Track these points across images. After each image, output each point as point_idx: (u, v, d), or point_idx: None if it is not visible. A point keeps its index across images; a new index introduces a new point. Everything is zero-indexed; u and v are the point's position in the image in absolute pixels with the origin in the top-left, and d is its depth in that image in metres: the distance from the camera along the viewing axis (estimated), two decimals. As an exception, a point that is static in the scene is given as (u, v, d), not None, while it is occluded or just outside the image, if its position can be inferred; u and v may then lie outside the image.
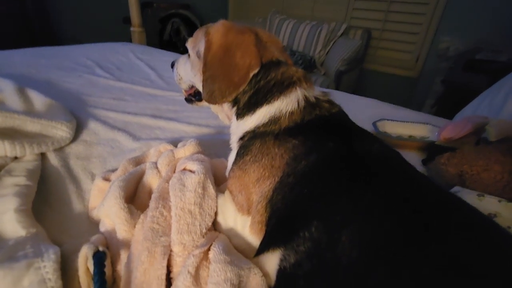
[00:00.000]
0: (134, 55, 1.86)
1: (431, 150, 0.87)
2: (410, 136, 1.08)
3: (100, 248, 0.46)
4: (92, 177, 0.77)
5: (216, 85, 0.60)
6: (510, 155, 0.63)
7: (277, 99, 0.57)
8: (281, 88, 0.57)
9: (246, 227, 0.53)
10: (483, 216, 0.40)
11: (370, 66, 3.50)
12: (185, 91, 0.84)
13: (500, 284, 0.31)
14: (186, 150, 0.71)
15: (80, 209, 0.68)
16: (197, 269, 0.44)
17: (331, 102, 0.58)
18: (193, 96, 0.82)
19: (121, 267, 0.48)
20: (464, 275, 0.32)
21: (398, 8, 3.12)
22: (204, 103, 0.79)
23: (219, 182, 0.68)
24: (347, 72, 2.91)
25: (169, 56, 1.94)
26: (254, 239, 0.51)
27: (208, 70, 0.61)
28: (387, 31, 3.28)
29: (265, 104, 0.57)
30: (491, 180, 0.61)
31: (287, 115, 0.55)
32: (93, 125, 0.98)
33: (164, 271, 0.44)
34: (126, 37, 2.57)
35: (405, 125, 1.12)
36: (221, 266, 0.43)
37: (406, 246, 0.35)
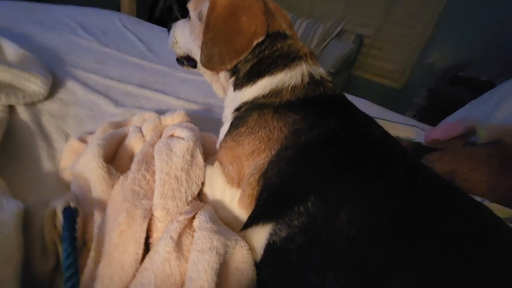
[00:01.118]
0: (122, 24, 1.75)
1: (418, 150, 0.88)
2: (395, 136, 1.10)
3: (72, 204, 0.41)
4: (66, 137, 0.71)
5: (216, 49, 0.56)
6: (497, 157, 0.64)
7: (280, 71, 0.54)
8: (286, 60, 0.55)
9: (234, 200, 0.50)
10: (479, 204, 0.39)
11: (358, 73, 3.56)
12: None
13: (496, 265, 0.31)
14: (174, 117, 0.67)
15: (50, 169, 0.62)
16: (180, 235, 0.41)
17: (334, 83, 0.57)
18: (186, 60, 0.77)
19: (92, 229, 0.43)
20: (465, 259, 0.31)
21: (393, 19, 3.19)
22: (198, 69, 0.73)
23: (207, 156, 0.64)
24: (336, 74, 2.94)
25: (159, 30, 1.85)
26: (242, 212, 0.49)
27: (210, 31, 0.56)
28: (378, 40, 3.34)
29: (267, 75, 0.54)
30: (478, 180, 0.62)
31: (290, 89, 0.52)
32: (71, 84, 0.90)
33: (144, 234, 0.40)
34: (115, 7, 2.42)
35: (392, 125, 1.14)
36: (207, 234, 0.40)
37: (408, 229, 0.34)
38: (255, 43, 0.55)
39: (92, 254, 0.39)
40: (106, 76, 1.02)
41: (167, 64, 1.28)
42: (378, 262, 0.32)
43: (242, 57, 0.56)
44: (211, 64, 0.57)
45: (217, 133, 0.66)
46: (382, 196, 0.37)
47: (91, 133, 0.68)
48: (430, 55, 3.10)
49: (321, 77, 0.55)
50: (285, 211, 0.41)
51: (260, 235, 0.43)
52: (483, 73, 2.06)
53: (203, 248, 0.38)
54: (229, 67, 0.58)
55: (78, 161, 0.51)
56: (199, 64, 0.70)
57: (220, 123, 0.68)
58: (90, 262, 0.39)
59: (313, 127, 0.47)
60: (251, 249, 0.44)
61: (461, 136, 0.79)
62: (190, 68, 0.76)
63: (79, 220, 0.41)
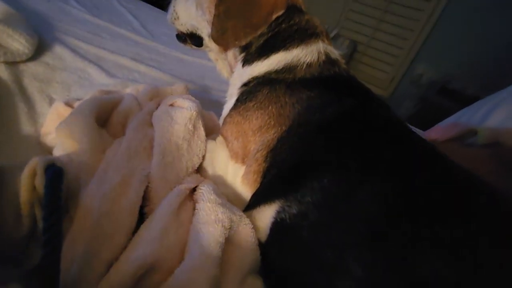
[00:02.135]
0: (117, 1, 1.66)
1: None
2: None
3: (57, 164, 0.36)
4: (51, 101, 0.64)
5: (230, 23, 0.52)
6: (497, 158, 0.64)
7: (296, 47, 0.51)
8: (303, 36, 0.52)
9: (238, 176, 0.46)
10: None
11: (349, 78, 3.61)
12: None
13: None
14: (173, 89, 0.62)
15: (30, 132, 0.55)
16: (181, 206, 0.36)
17: (347, 66, 0.54)
18: (190, 38, 0.71)
19: (78, 195, 0.38)
20: (490, 240, 0.29)
21: (386, 28, 3.25)
22: (204, 47, 0.68)
23: (206, 135, 0.60)
24: (328, 77, 2.95)
25: (155, 11, 1.77)
26: (245, 190, 0.45)
27: (223, 3, 0.52)
28: (371, 48, 3.40)
29: (282, 50, 0.51)
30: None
31: (305, 66, 0.50)
32: (59, 50, 0.83)
33: (139, 202, 0.36)
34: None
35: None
36: (211, 205, 0.36)
37: (430, 207, 0.32)
38: (274, 16, 0.52)
39: (76, 222, 0.34)
40: (98, 46, 0.95)
41: (163, 42, 1.22)
42: (402, 240, 0.30)
43: (259, 32, 0.52)
44: (223, 39, 0.53)
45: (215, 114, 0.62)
46: (402, 174, 0.35)
47: (79, 99, 0.62)
48: (418, 67, 3.19)
49: (336, 57, 0.53)
50: (296, 187, 0.38)
51: (266, 214, 0.40)
52: (467, 87, 2.14)
53: (207, 220, 0.34)
54: (243, 43, 0.54)
55: (65, 122, 0.45)
56: (205, 42, 0.65)
57: (218, 105, 0.64)
58: (74, 228, 0.34)
59: (328, 105, 0.45)
60: (255, 228, 0.40)
61: (458, 137, 0.79)
62: (193, 47, 0.70)
63: (63, 183, 0.36)
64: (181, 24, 0.69)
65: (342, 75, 0.51)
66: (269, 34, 0.53)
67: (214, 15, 0.53)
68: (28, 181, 0.35)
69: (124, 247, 0.34)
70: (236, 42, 0.53)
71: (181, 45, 0.72)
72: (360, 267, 0.29)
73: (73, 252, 0.31)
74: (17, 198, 0.36)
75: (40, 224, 0.34)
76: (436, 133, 0.83)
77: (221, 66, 0.68)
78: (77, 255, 0.31)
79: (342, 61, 0.54)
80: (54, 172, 0.33)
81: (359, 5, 3.31)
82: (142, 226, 0.35)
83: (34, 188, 0.36)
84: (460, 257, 0.28)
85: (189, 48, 0.73)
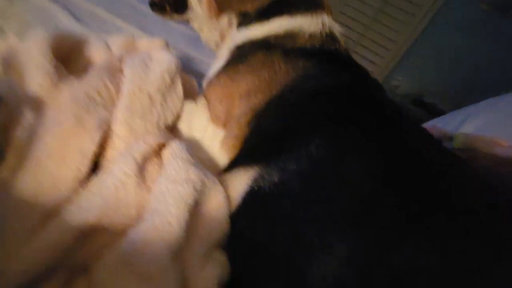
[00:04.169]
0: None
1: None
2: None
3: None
4: (2, 34, 0.54)
5: None
6: (474, 163, 0.65)
7: (301, 15, 0.48)
8: (310, 4, 0.49)
9: (216, 140, 0.41)
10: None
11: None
12: None
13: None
14: (152, 42, 0.55)
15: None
16: (145, 160, 0.31)
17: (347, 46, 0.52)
18: (169, 3, 0.61)
19: (16, 135, 0.31)
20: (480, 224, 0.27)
21: (371, 35, 3.31)
22: (189, 12, 0.60)
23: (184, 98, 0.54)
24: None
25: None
26: (223, 155, 0.40)
27: None
28: (354, 54, 3.46)
29: (286, 15, 0.47)
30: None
31: (307, 35, 0.46)
32: (20, -17, 0.71)
33: (94, 148, 0.29)
34: None
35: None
36: (182, 164, 0.31)
37: (417, 182, 0.30)
38: None
39: (11, 160, 0.27)
40: (68, -11, 0.83)
41: (147, 5, 1.12)
42: (392, 219, 0.27)
43: None
44: (226, 2, 0.48)
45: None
46: (394, 152, 0.33)
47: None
48: (395, 78, 3.31)
49: (338, 34, 0.50)
50: (278, 153, 0.34)
51: (241, 181, 0.36)
52: (438, 102, 2.25)
53: (176, 179, 0.29)
54: (249, 7, 0.49)
55: (12, 49, 0.37)
56: (192, 5, 0.58)
57: (199, 76, 0.59)
58: (5, 171, 0.27)
59: (324, 76, 0.42)
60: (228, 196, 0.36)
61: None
62: (173, 17, 0.61)
63: (1, 113, 0.28)
64: None
65: (341, 52, 0.48)
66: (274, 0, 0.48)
67: None
68: None
69: (69, 199, 0.27)
70: (241, 6, 0.49)
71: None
72: (343, 245, 0.26)
73: (5, 189, 0.25)
74: None
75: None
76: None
77: (208, 36, 0.61)
78: (6, 200, 0.25)
79: (343, 40, 0.51)
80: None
81: (349, 8, 3.35)
82: (93, 178, 0.29)
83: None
84: (446, 243, 0.26)
85: (167, 19, 0.64)
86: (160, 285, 0.24)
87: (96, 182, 0.28)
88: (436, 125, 0.87)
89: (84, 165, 0.28)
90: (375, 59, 3.41)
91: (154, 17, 1.03)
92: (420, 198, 0.28)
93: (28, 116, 0.31)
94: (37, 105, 0.32)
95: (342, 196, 0.29)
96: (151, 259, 0.24)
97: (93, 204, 0.26)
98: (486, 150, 0.70)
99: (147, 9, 1.05)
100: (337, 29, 0.50)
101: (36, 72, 0.33)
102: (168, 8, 0.60)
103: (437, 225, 0.26)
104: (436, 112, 1.89)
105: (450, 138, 0.79)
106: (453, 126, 1.02)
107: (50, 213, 0.26)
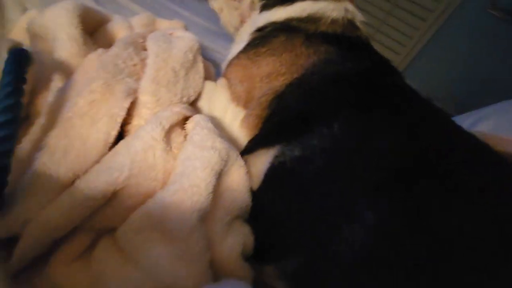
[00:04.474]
0: None
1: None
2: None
3: (25, 47, 0.29)
4: (24, 10, 0.54)
5: None
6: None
7: (324, 0, 0.47)
8: None
9: (237, 119, 0.42)
10: None
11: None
12: None
13: None
14: (172, 23, 0.55)
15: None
16: (171, 128, 0.31)
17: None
18: None
19: (44, 100, 0.31)
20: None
21: (380, 39, 3.30)
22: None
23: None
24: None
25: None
26: (243, 133, 0.41)
27: None
28: (363, 55, 3.44)
29: None
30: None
31: (329, 21, 0.46)
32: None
33: (122, 113, 0.30)
34: None
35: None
36: (208, 132, 0.31)
37: (439, 167, 0.30)
38: None
39: (42, 120, 0.28)
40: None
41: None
42: (421, 190, 0.27)
43: None
44: None
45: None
46: (416, 132, 0.33)
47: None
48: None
49: (359, 23, 0.50)
50: (300, 133, 0.35)
51: (262, 159, 0.36)
52: (445, 107, 2.26)
53: (202, 145, 0.29)
54: None
55: (41, 16, 0.37)
56: None
57: (214, 65, 0.59)
58: (36, 129, 0.27)
59: (346, 61, 0.42)
60: (249, 174, 0.36)
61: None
62: None
63: (29, 72, 0.29)
64: None
65: (362, 40, 0.48)
66: None
67: None
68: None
69: (96, 161, 0.27)
70: None
71: None
72: (370, 214, 0.26)
73: (32, 149, 0.25)
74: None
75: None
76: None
77: (227, 18, 0.62)
78: (40, 157, 0.25)
79: (364, 28, 0.52)
80: (20, 52, 0.26)
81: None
82: (121, 141, 0.29)
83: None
84: (475, 215, 0.26)
85: None
86: (188, 245, 0.24)
87: (124, 145, 0.28)
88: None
89: (113, 128, 0.28)
90: (383, 62, 3.39)
91: (169, 8, 1.04)
92: (446, 172, 0.28)
93: (57, 81, 0.31)
94: (66, 71, 0.33)
95: (368, 169, 0.29)
96: (179, 219, 0.24)
97: (122, 164, 0.26)
98: (500, 148, 0.70)
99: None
100: (359, 17, 0.51)
101: (65, 39, 0.34)
102: None
103: (465, 199, 0.27)
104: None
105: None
106: (464, 127, 1.01)
107: (79, 171, 0.26)
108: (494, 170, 0.31)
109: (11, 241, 0.26)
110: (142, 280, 0.24)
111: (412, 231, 0.25)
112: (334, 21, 0.46)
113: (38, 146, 0.26)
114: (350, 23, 0.48)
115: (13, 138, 0.22)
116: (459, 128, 0.36)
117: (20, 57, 0.25)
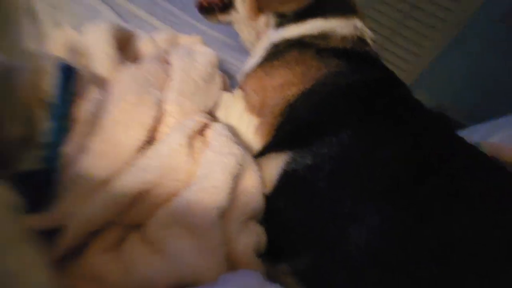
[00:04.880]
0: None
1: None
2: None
3: (70, 64, 0.33)
4: (57, 26, 0.60)
5: None
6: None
7: (335, 18, 0.51)
8: (344, 9, 0.52)
9: (251, 126, 0.45)
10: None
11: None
12: None
13: None
14: (191, 38, 0.60)
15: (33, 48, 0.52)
16: (194, 135, 0.34)
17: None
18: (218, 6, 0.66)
19: (84, 108, 0.35)
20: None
21: (392, 47, 3.29)
22: (229, 17, 0.65)
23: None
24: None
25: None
26: (257, 140, 0.44)
27: None
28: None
29: (320, 17, 0.51)
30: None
31: (339, 37, 0.50)
32: (73, -17, 0.78)
33: (151, 121, 0.33)
34: None
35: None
36: (226, 139, 0.34)
37: (441, 172, 0.32)
38: None
39: (82, 127, 0.32)
40: (113, -9, 0.91)
41: (179, 8, 1.19)
42: (417, 196, 0.30)
43: (305, 2, 0.52)
44: (268, 2, 0.53)
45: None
46: (419, 142, 0.36)
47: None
48: (415, 91, 3.26)
49: (368, 38, 0.53)
50: (311, 140, 0.38)
51: (274, 164, 0.39)
52: (457, 117, 2.24)
53: (221, 151, 0.32)
54: (286, 9, 0.53)
55: (81, 36, 0.42)
56: (236, 4, 0.63)
57: (228, 76, 0.63)
58: (78, 135, 0.31)
59: (355, 73, 0.45)
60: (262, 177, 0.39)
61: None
62: (219, 17, 0.66)
63: (76, 85, 0.33)
64: None
65: (371, 54, 0.51)
66: (310, 3, 0.52)
67: None
68: (33, 78, 0.32)
69: (128, 163, 0.31)
70: (280, 7, 0.53)
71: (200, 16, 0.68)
72: (375, 217, 0.29)
73: (75, 153, 0.29)
74: (14, 96, 0.33)
75: (42, 125, 0.31)
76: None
77: (246, 36, 0.66)
78: (81, 160, 0.29)
79: (372, 43, 0.55)
80: (69, 69, 0.30)
81: (370, 21, 3.34)
82: (151, 147, 0.33)
83: (39, 88, 0.33)
84: (476, 216, 0.28)
85: (213, 22, 0.69)
86: (207, 239, 0.27)
87: (153, 149, 0.32)
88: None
89: (143, 135, 0.32)
90: (396, 72, 3.36)
91: (186, 21, 1.10)
92: (448, 178, 0.30)
93: (95, 92, 0.36)
94: (102, 84, 0.37)
95: (374, 176, 0.31)
96: (201, 216, 0.28)
97: (151, 166, 0.30)
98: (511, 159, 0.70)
99: (179, 13, 1.13)
100: (368, 33, 0.54)
101: (102, 56, 0.38)
102: (216, 8, 0.65)
103: (466, 204, 0.29)
104: (457, 127, 1.86)
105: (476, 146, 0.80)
106: (476, 137, 1.01)
107: (114, 172, 0.30)
108: (495, 176, 0.33)
109: (53, 233, 0.30)
110: (167, 269, 0.27)
111: (415, 235, 0.27)
112: (343, 38, 0.49)
113: (80, 149, 0.30)
114: (359, 39, 0.51)
115: (62, 144, 0.26)
116: (459, 138, 0.39)
117: (68, 73, 0.29)
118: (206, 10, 0.66)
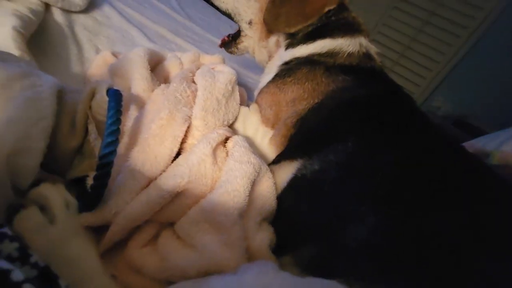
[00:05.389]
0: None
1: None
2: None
3: (116, 88, 0.40)
4: (97, 51, 0.69)
5: (284, 9, 0.57)
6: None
7: (341, 37, 0.56)
8: (349, 29, 0.57)
9: (266, 137, 0.50)
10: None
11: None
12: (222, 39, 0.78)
13: None
14: (212, 58, 0.66)
15: (78, 71, 0.60)
16: (217, 146, 0.40)
17: (382, 63, 0.59)
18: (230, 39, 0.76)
19: (125, 125, 0.42)
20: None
21: (411, 56, 3.24)
22: (243, 44, 0.73)
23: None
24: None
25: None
26: (271, 150, 0.49)
27: None
28: (394, 73, 3.40)
29: (328, 37, 0.56)
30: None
31: (346, 55, 0.54)
32: (107, 9, 0.88)
33: (182, 135, 0.39)
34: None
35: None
36: (245, 150, 0.40)
37: (435, 173, 0.36)
38: (326, 9, 0.56)
39: (125, 139, 0.38)
40: (141, 14, 1.00)
41: (199, 25, 1.27)
42: (413, 199, 0.34)
43: (309, 22, 0.57)
44: (275, 24, 0.58)
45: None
46: (420, 151, 0.39)
47: (124, 53, 0.66)
48: (437, 99, 3.20)
49: (374, 54, 0.58)
50: (320, 148, 0.42)
51: (286, 170, 0.44)
52: (480, 123, 2.18)
53: (241, 160, 0.38)
54: (292, 30, 0.58)
55: (118, 62, 0.49)
56: (243, 29, 0.70)
57: (246, 89, 0.68)
58: (122, 146, 0.38)
59: (361, 88, 0.49)
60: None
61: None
62: (238, 45, 0.74)
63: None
64: (223, 2, 0.73)
65: (376, 69, 0.55)
66: (318, 25, 0.57)
67: (269, 0, 0.58)
68: (87, 100, 0.39)
69: (163, 170, 0.37)
70: (286, 29, 0.58)
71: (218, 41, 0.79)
72: (372, 217, 0.33)
73: (121, 163, 0.35)
74: (73, 114, 0.40)
75: (95, 140, 0.38)
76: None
77: (260, 57, 0.72)
78: (124, 167, 0.35)
79: (379, 59, 0.59)
80: (117, 93, 0.36)
81: (387, 28, 3.33)
82: (180, 156, 0.39)
83: (89, 107, 0.40)
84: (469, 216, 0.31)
85: (235, 54, 0.77)
86: (230, 234, 0.32)
87: (184, 158, 0.38)
88: (473, 143, 0.88)
89: (175, 146, 0.38)
90: (416, 79, 3.32)
91: (206, 38, 1.18)
92: (438, 184, 0.34)
93: (133, 110, 0.42)
94: (139, 103, 0.44)
95: (374, 181, 0.36)
96: (224, 214, 0.33)
97: (183, 173, 0.35)
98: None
99: (199, 30, 1.21)
100: (373, 49, 0.58)
101: (139, 78, 0.45)
102: (232, 42, 0.74)
103: (460, 205, 0.32)
104: (478, 134, 1.82)
105: (487, 155, 0.81)
106: (494, 145, 1.01)
107: (152, 177, 0.36)
108: (490, 179, 0.36)
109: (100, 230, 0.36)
110: (197, 260, 0.32)
111: (406, 231, 0.31)
112: (350, 55, 0.54)
113: (124, 159, 0.36)
114: (365, 55, 0.55)
115: (114, 154, 0.32)
116: (458, 145, 0.42)
117: (117, 96, 0.36)
118: (225, 45, 0.76)
